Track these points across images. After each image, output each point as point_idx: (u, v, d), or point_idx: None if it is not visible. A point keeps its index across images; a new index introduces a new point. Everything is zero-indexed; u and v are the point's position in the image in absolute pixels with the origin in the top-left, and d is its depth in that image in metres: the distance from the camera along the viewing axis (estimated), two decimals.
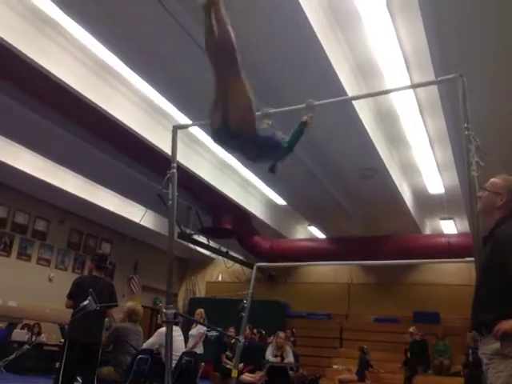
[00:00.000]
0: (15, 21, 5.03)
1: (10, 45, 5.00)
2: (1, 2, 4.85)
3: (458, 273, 11.85)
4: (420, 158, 8.50)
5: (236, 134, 2.97)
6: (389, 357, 10.97)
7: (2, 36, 4.88)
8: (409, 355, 10.06)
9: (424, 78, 5.85)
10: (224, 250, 12.43)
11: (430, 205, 10.48)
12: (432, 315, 11.96)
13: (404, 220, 10.43)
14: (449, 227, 11.50)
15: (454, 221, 11.14)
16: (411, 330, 10.41)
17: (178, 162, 4.10)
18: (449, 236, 11.25)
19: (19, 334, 9.61)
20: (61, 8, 4.96)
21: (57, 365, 5.92)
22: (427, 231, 11.89)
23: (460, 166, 7.12)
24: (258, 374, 7.96)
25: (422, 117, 7.10)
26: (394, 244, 11.14)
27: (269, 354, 8.26)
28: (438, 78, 3.93)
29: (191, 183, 8.36)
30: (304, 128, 3.48)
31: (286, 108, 3.62)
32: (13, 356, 5.36)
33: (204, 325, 7.19)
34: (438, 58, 5.15)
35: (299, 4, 4.49)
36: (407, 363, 9.98)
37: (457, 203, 9.16)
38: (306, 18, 4.65)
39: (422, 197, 10.18)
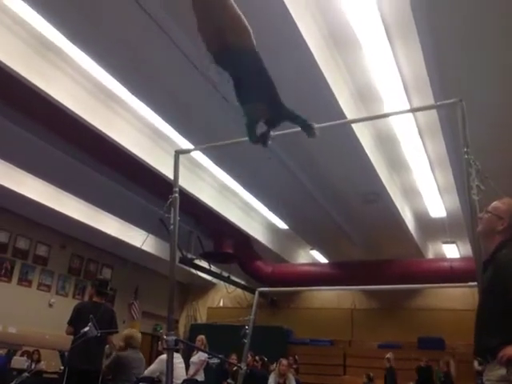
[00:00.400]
0: (17, 46, 5.11)
1: (11, 69, 5.05)
2: (1, 26, 4.94)
3: (462, 297, 11.71)
4: (421, 182, 8.51)
5: (235, 50, 2.75)
6: None
7: (4, 60, 4.95)
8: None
9: (423, 103, 5.92)
10: (226, 274, 12.35)
11: (432, 228, 10.45)
12: (436, 341, 11.80)
13: (406, 244, 10.39)
14: (451, 251, 11.43)
15: (457, 245, 11.09)
16: (388, 355, 10.12)
17: (180, 186, 4.10)
18: (451, 260, 11.18)
19: (18, 362, 9.47)
20: (63, 33, 5.04)
21: None
22: (430, 255, 11.83)
23: (461, 189, 7.12)
24: None
25: (422, 140, 7.15)
26: (396, 268, 11.07)
27: (271, 382, 8.10)
28: (438, 103, 3.97)
29: (193, 207, 8.36)
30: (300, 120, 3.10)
31: (285, 131, 3.62)
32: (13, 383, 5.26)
33: (205, 352, 7.09)
34: (437, 83, 5.21)
35: (298, 29, 4.56)
36: None
37: (459, 227, 9.14)
38: (306, 43, 4.72)
39: (423, 220, 10.16)
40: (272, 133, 3.28)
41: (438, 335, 11.81)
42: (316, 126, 3.18)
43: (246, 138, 3.31)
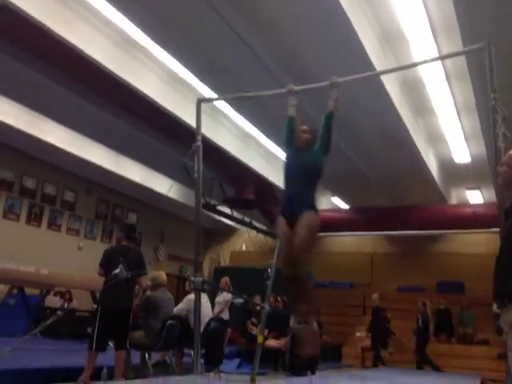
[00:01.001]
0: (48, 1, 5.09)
1: (44, 25, 5.07)
2: None
3: (484, 243, 11.75)
4: (446, 127, 8.36)
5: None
6: (413, 325, 11.05)
7: (35, 16, 4.94)
8: (420, 324, 9.79)
9: (451, 45, 5.72)
10: (247, 220, 12.56)
11: (456, 174, 10.35)
12: (456, 285, 11.96)
13: (429, 190, 10.34)
14: (475, 197, 11.35)
15: (481, 191, 10.99)
16: (373, 296, 10.02)
17: (202, 133, 4.14)
18: (475, 206, 11.12)
19: (52, 301, 10.01)
20: None
21: (89, 330, 6.19)
22: (453, 201, 11.77)
23: (487, 135, 6.99)
24: (283, 340, 8.15)
25: (449, 85, 6.96)
26: (418, 214, 11.08)
27: (293, 321, 8.42)
28: (465, 49, 3.84)
29: (215, 154, 8.42)
30: (332, 119, 3.45)
31: (310, 85, 3.59)
32: (49, 322, 5.61)
33: (230, 292, 7.36)
34: (466, 26, 5.02)
35: None
36: (418, 332, 9.75)
37: (483, 173, 9.03)
38: None
39: (447, 166, 10.05)
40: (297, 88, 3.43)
41: (458, 279, 11.95)
42: (340, 79, 3.20)
43: (276, 91, 3.40)
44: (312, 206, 3.42)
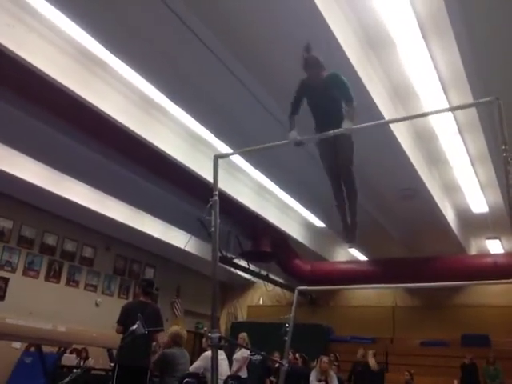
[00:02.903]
0: (66, 61, 5.38)
1: (64, 86, 5.33)
2: (49, 44, 5.20)
3: (507, 294, 11.44)
4: (462, 178, 8.38)
5: None
6: (437, 381, 10.63)
7: (55, 77, 5.22)
8: None
9: (461, 98, 5.85)
10: (264, 273, 12.46)
11: (475, 224, 10.25)
12: (481, 338, 11.55)
13: (448, 240, 10.22)
14: (495, 247, 11.16)
15: (500, 240, 10.82)
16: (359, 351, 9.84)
17: (219, 188, 4.22)
18: (495, 256, 10.91)
19: (69, 359, 9.89)
20: (103, 45, 5.27)
21: None
22: (473, 251, 11.58)
23: (503, 184, 6.98)
24: None
25: (462, 136, 7.05)
26: (438, 265, 10.90)
27: (313, 379, 8.16)
28: (473, 102, 3.94)
29: (231, 208, 8.51)
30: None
31: (319, 134, 3.70)
32: (67, 380, 5.54)
33: (248, 349, 7.23)
34: (474, 78, 5.16)
35: (331, 31, 4.61)
36: None
37: (502, 222, 8.93)
38: (339, 43, 4.76)
39: (465, 216, 9.97)
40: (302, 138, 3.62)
41: (482, 332, 11.55)
42: (352, 127, 3.32)
43: (283, 142, 3.52)
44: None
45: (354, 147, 3.85)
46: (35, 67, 5.01)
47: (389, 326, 13.19)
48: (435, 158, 7.86)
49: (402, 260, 11.34)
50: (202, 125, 6.81)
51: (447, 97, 5.98)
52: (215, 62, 5.14)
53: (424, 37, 5.07)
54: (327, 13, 4.49)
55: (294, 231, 10.65)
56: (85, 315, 10.57)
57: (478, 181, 8.33)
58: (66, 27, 5.08)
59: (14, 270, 10.00)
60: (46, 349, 9.54)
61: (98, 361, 9.99)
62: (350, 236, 4.27)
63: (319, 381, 8.12)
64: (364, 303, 13.84)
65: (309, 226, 11.00)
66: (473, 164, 7.80)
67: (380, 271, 11.44)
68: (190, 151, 7.35)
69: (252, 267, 12.01)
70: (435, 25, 4.96)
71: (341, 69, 5.06)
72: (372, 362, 9.84)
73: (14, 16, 4.78)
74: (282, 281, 13.20)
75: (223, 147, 7.24)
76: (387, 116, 5.89)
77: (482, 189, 8.59)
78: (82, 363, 9.78)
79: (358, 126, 3.72)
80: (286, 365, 5.03)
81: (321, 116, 3.80)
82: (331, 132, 3.63)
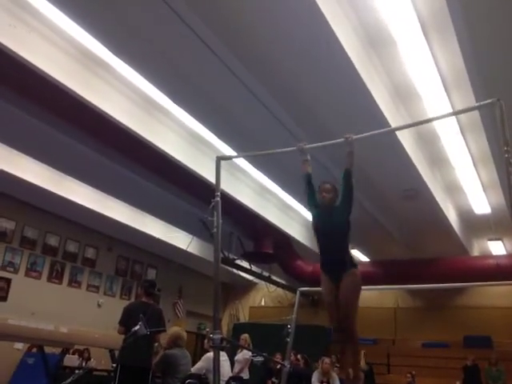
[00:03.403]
0: (67, 61, 5.39)
1: (67, 87, 5.34)
2: (50, 44, 5.21)
3: (509, 295, 11.41)
4: (464, 178, 8.36)
5: None
6: (439, 383, 10.61)
7: (57, 78, 5.23)
8: None
9: (463, 98, 5.84)
10: (266, 274, 12.46)
11: (477, 225, 10.23)
12: (483, 339, 11.52)
13: (450, 241, 10.20)
14: (498, 248, 11.13)
15: (503, 241, 10.80)
16: None
17: (221, 189, 4.22)
18: (498, 257, 10.89)
19: (71, 360, 9.89)
20: (104, 45, 5.28)
21: None
22: (475, 253, 11.56)
23: (505, 185, 6.97)
24: None
25: (464, 137, 7.04)
26: (440, 266, 10.88)
27: (315, 380, 8.16)
28: (475, 105, 3.94)
29: (233, 209, 8.52)
30: (350, 177, 3.58)
31: (323, 143, 3.72)
32: (69, 381, 5.55)
33: (250, 350, 7.23)
34: (476, 79, 5.14)
35: (333, 31, 4.60)
36: None
37: (505, 223, 8.92)
38: (341, 44, 4.76)
39: (467, 217, 9.95)
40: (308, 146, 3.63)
41: (484, 333, 11.53)
42: (354, 137, 3.34)
43: (288, 149, 3.55)
44: (351, 263, 3.59)
45: (359, 289, 3.66)
46: (36, 67, 5.02)
47: (390, 328, 13.17)
48: (437, 159, 7.84)
49: (404, 261, 11.33)
50: (203, 125, 6.82)
51: (449, 97, 5.97)
52: (216, 62, 5.15)
53: (425, 37, 5.07)
54: (328, 13, 4.49)
55: (296, 232, 10.64)
56: (87, 316, 10.58)
57: (481, 182, 8.31)
58: (67, 27, 5.10)
59: (16, 271, 10.02)
60: (48, 349, 9.54)
61: (100, 361, 9.98)
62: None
63: (321, 382, 8.12)
64: (366, 304, 13.76)
65: (310, 227, 10.95)
66: (475, 165, 7.78)
67: (382, 272, 11.42)
68: (192, 151, 7.35)
69: (254, 268, 12.02)
70: (437, 25, 4.95)
71: (342, 69, 5.10)
72: (362, 362, 9.89)
73: (15, 16, 4.79)
74: (283, 282, 13.20)
75: (224, 147, 7.24)
76: (389, 117, 5.88)
77: (484, 190, 8.58)
78: (84, 364, 9.79)
79: (362, 135, 3.73)
80: (288, 366, 5.04)
81: (324, 242, 3.74)
82: (336, 141, 3.65)
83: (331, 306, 3.62)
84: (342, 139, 3.62)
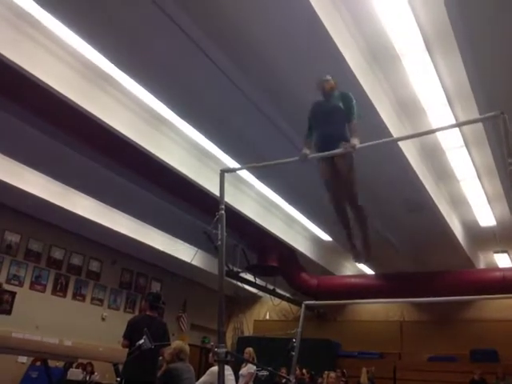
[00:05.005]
0: (73, 76, 5.46)
1: (71, 100, 5.40)
2: (59, 60, 5.28)
3: None
4: (468, 191, 8.35)
5: None
6: None
7: (63, 92, 5.29)
8: None
9: (467, 111, 5.86)
10: (271, 287, 12.41)
11: (483, 238, 10.18)
12: (490, 353, 11.40)
13: (456, 254, 10.15)
14: (503, 260, 11.07)
15: (509, 254, 10.74)
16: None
17: (225, 202, 4.23)
18: (504, 270, 10.82)
19: (74, 374, 9.84)
20: (110, 60, 5.35)
21: None
22: (481, 265, 11.49)
23: (511, 197, 6.97)
24: None
25: (468, 150, 7.05)
26: (446, 279, 10.81)
27: None
28: (478, 117, 3.96)
29: (237, 221, 8.51)
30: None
31: (324, 153, 3.74)
32: None
33: (254, 364, 7.17)
34: (479, 92, 5.18)
35: (335, 45, 4.65)
36: None
37: (510, 235, 8.88)
38: (344, 58, 4.80)
39: (473, 230, 9.92)
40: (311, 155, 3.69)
41: (491, 347, 11.41)
42: (357, 146, 3.37)
43: (291, 159, 3.58)
44: (346, 138, 3.77)
45: (353, 164, 3.88)
46: (43, 82, 5.10)
47: (396, 341, 13.06)
48: (442, 172, 7.84)
49: (410, 274, 11.26)
50: (208, 138, 6.86)
51: (453, 111, 5.99)
52: (219, 76, 5.20)
53: (429, 51, 5.11)
54: (332, 29, 4.55)
55: (301, 245, 10.62)
56: (91, 329, 10.55)
57: (485, 194, 8.30)
58: (72, 42, 5.17)
59: (21, 284, 10.02)
60: (52, 363, 9.53)
61: (104, 375, 9.94)
62: (365, 256, 4.33)
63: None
64: (371, 318, 13.73)
65: (315, 240, 10.96)
66: (479, 177, 7.78)
67: (387, 285, 11.36)
68: (196, 165, 7.39)
69: (258, 281, 11.98)
70: (440, 39, 5.00)
71: (346, 83, 5.11)
72: (363, 378, 9.85)
73: (21, 32, 4.87)
74: (288, 295, 13.13)
75: (229, 161, 7.27)
76: (393, 131, 5.90)
77: (489, 202, 8.56)
78: (87, 378, 9.73)
79: (366, 144, 3.75)
80: (293, 380, 5.00)
81: (322, 126, 3.89)
82: (338, 150, 3.69)
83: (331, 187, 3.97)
84: (341, 149, 3.66)
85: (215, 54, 5.03)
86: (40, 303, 10.18)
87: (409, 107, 6.22)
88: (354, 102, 3.82)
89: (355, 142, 3.63)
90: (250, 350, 7.64)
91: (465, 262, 10.57)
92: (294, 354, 5.11)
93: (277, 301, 13.23)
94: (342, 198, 4.00)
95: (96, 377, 9.82)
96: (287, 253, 10.70)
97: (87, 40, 5.05)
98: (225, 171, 4.28)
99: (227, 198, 4.11)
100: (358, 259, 4.47)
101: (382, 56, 5.38)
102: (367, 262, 4.36)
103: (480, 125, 5.96)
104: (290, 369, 5.30)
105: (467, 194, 8.45)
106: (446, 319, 12.62)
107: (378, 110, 5.59)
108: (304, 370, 9.38)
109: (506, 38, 4.53)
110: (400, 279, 11.36)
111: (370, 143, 3.66)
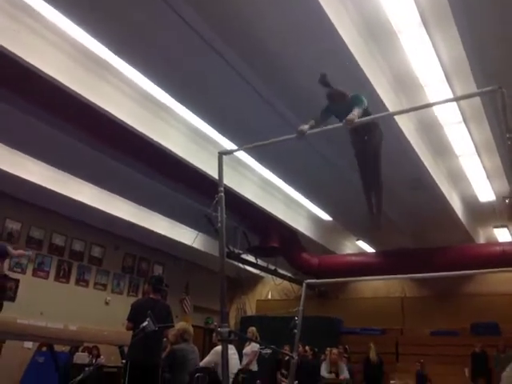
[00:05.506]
0: (69, 63, 5.41)
1: (70, 88, 5.38)
2: (55, 48, 5.23)
3: None
4: (467, 167, 8.35)
5: None
6: (448, 370, 10.64)
7: (62, 80, 5.26)
8: None
9: (464, 86, 5.82)
10: (272, 267, 12.50)
11: (482, 213, 10.22)
12: (491, 326, 11.54)
13: (455, 230, 10.20)
14: (503, 235, 11.13)
15: (508, 228, 10.79)
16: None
17: (224, 184, 4.24)
18: (504, 244, 10.88)
19: (81, 357, 9.98)
20: (107, 46, 5.30)
21: None
22: (481, 240, 11.55)
23: (510, 172, 6.97)
24: None
25: (466, 125, 7.02)
26: (446, 255, 10.88)
27: (323, 371, 8.23)
28: (476, 91, 3.94)
29: (237, 204, 8.53)
30: None
31: (323, 128, 3.73)
32: (79, 378, 5.62)
33: (257, 342, 7.27)
34: (477, 66, 5.14)
35: (330, 20, 4.58)
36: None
37: (510, 210, 8.90)
38: (338, 34, 4.74)
39: (472, 205, 9.94)
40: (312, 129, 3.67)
41: (492, 321, 11.54)
42: (356, 120, 3.36)
43: (287, 137, 3.56)
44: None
45: (382, 136, 4.30)
46: (40, 70, 5.07)
47: (398, 317, 13.20)
48: (440, 148, 7.83)
49: (410, 251, 11.33)
50: (206, 122, 6.83)
51: (450, 85, 5.95)
52: (216, 59, 5.16)
53: (425, 26, 5.06)
54: (326, 4, 4.48)
55: (301, 225, 10.67)
56: (95, 314, 10.66)
57: (484, 169, 8.30)
58: (68, 29, 5.12)
59: (23, 271, 10.08)
60: (58, 348, 9.66)
61: (110, 358, 10.07)
62: (376, 222, 4.78)
63: (330, 372, 8.18)
64: (373, 295, 13.86)
65: (315, 220, 11.00)
66: (478, 152, 7.77)
67: (388, 262, 11.43)
68: (194, 148, 7.37)
69: (260, 262, 12.06)
70: (437, 14, 4.94)
71: (342, 60, 5.08)
72: (372, 354, 10.00)
73: (19, 21, 4.83)
74: (290, 275, 13.24)
75: (228, 144, 7.25)
76: (390, 107, 5.87)
77: (488, 177, 8.56)
78: (93, 361, 9.86)
79: (362, 119, 3.75)
80: (296, 357, 5.07)
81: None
82: (338, 124, 3.70)
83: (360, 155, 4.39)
84: (341, 124, 3.66)
85: (212, 37, 4.98)
86: (43, 290, 10.26)
87: (406, 83, 6.17)
88: (366, 105, 3.87)
89: (353, 115, 3.64)
90: (252, 329, 7.74)
91: (465, 237, 10.63)
92: (296, 331, 5.17)
93: (278, 280, 13.34)
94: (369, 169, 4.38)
95: (102, 360, 9.95)
96: (288, 233, 10.75)
97: (84, 27, 5.00)
98: (223, 153, 4.28)
99: (227, 181, 4.12)
100: (376, 226, 4.93)
101: (378, 32, 5.32)
102: (380, 229, 5.02)
103: (478, 100, 5.93)
104: (293, 346, 5.38)
105: (466, 169, 8.45)
106: (447, 294, 12.74)
107: (375, 86, 5.55)
108: (307, 347, 9.49)
109: (504, 11, 4.48)
110: (400, 256, 11.43)
111: (367, 118, 3.65)
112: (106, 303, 11.68)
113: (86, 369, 7.93)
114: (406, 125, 6.63)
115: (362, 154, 4.34)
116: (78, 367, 9.08)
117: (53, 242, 10.71)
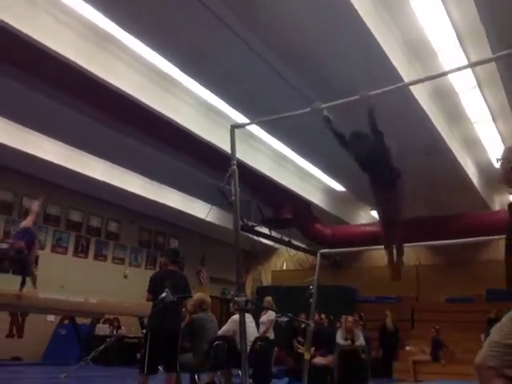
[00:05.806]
0: (78, 40, 5.41)
1: (81, 66, 5.39)
2: (64, 25, 5.23)
3: None
4: (482, 133, 8.25)
5: None
6: (464, 336, 10.73)
7: (69, 57, 5.27)
8: None
9: (479, 51, 5.70)
10: (286, 239, 12.59)
11: (497, 180, 10.11)
12: (505, 293, 11.52)
13: (471, 197, 10.15)
14: None
15: None
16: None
17: (237, 158, 4.25)
18: None
19: (102, 329, 10.30)
20: (116, 22, 5.28)
21: (138, 356, 6.33)
22: (496, 207, 11.48)
23: None
24: (330, 357, 8.10)
25: (481, 91, 6.90)
26: (461, 222, 10.82)
27: (339, 338, 8.36)
28: (492, 56, 3.84)
29: (250, 177, 8.55)
30: (378, 133, 3.86)
31: (338, 101, 3.69)
32: (99, 349, 5.81)
33: (274, 310, 7.39)
34: (492, 32, 5.02)
35: None
36: None
37: None
38: (352, 5, 4.68)
39: (488, 172, 9.83)
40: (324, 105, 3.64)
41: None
42: (370, 93, 3.31)
43: (302, 111, 3.54)
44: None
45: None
46: (49, 48, 5.08)
47: (413, 285, 13.24)
48: (455, 115, 7.73)
49: (425, 218, 11.29)
50: (218, 96, 6.82)
51: (465, 51, 5.84)
52: (228, 33, 5.12)
53: None
54: None
55: (314, 197, 10.68)
56: (114, 287, 10.93)
57: (500, 135, 8.18)
58: (76, 5, 5.09)
59: (43, 248, 10.30)
60: (79, 320, 9.96)
61: (130, 329, 10.36)
62: (396, 273, 4.68)
63: (345, 339, 8.31)
64: (387, 263, 13.90)
65: (328, 191, 11.00)
66: (493, 118, 7.65)
67: (403, 231, 11.41)
68: (206, 122, 7.38)
69: (274, 234, 12.15)
70: None
71: (354, 29, 5.00)
72: (388, 322, 10.14)
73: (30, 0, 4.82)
74: (304, 246, 13.33)
75: (240, 117, 7.24)
76: (404, 75, 5.79)
77: (503, 142, 8.44)
78: (114, 332, 10.16)
79: (377, 91, 3.69)
80: (312, 325, 5.16)
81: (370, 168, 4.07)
82: (354, 97, 3.64)
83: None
84: (357, 96, 3.57)
85: (220, 10, 4.92)
86: (63, 265, 10.52)
87: (420, 50, 6.07)
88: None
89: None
90: (268, 298, 7.85)
91: (480, 204, 10.57)
92: (311, 300, 5.25)
93: (293, 252, 13.45)
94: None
95: (123, 331, 10.24)
96: (301, 205, 10.78)
97: (91, 3, 4.98)
98: (235, 127, 4.27)
99: (240, 155, 4.12)
100: (396, 277, 4.75)
101: None
102: (399, 279, 4.89)
103: (493, 65, 5.81)
104: (309, 315, 5.47)
105: (481, 135, 8.34)
106: (462, 261, 12.74)
107: (388, 54, 5.47)
108: (323, 315, 9.63)
109: None
110: (415, 224, 11.39)
111: (382, 89, 3.60)
112: (125, 276, 11.94)
113: (108, 340, 8.21)
114: (420, 92, 6.54)
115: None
116: (99, 338, 9.38)
117: (70, 219, 10.90)
